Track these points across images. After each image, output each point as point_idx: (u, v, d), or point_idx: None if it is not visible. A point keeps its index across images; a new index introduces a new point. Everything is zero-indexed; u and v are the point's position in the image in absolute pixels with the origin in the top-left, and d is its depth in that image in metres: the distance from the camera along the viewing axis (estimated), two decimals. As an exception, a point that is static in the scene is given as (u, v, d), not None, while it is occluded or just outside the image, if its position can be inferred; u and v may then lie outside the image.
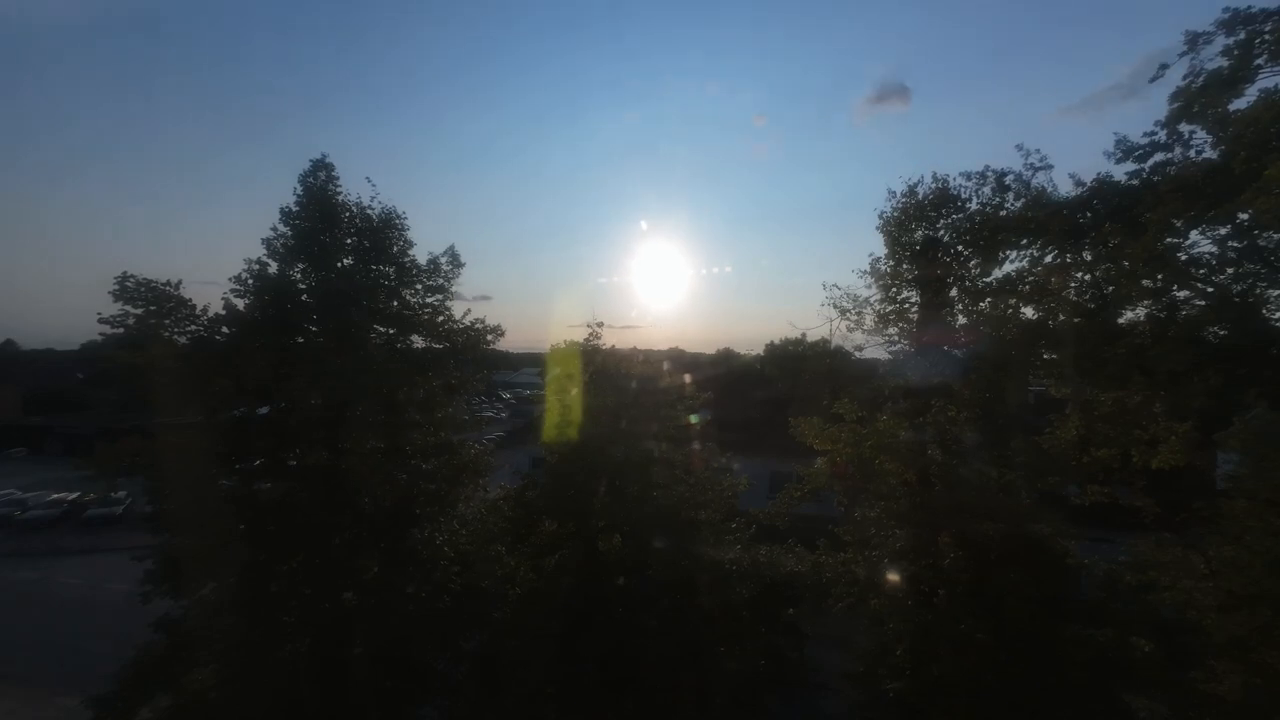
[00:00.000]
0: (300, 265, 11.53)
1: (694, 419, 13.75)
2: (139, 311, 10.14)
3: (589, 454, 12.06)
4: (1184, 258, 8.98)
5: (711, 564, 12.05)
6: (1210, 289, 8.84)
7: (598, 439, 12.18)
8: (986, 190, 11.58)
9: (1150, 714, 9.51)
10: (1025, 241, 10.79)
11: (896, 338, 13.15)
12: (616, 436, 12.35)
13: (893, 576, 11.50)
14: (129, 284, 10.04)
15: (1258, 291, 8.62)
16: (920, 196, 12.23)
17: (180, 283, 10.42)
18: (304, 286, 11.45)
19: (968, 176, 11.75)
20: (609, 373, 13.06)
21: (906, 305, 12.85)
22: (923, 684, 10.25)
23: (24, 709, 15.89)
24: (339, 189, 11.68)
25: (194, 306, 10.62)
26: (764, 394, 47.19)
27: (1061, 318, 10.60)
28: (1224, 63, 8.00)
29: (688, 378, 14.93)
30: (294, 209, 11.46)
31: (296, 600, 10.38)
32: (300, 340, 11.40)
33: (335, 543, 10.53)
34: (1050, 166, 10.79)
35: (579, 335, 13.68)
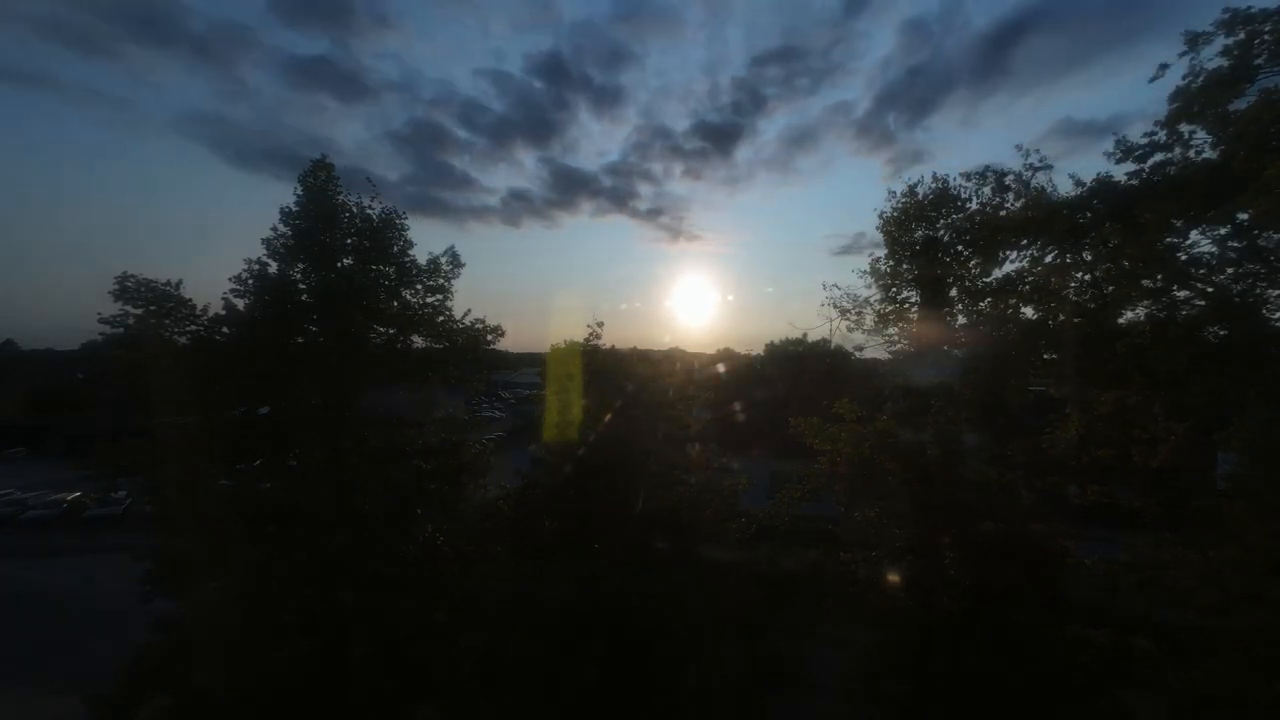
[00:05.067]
0: (300, 265, 11.54)
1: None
2: (139, 311, 10.16)
3: (589, 453, 12.05)
4: (1184, 258, 8.99)
5: (712, 564, 12.04)
6: (1210, 289, 8.84)
7: (598, 438, 12.17)
8: (986, 190, 11.60)
9: (1150, 714, 9.51)
10: (1025, 241, 10.81)
11: (896, 338, 13.17)
12: (617, 436, 12.34)
13: (893, 576, 11.50)
14: (129, 284, 10.06)
15: (1257, 291, 8.62)
16: (920, 196, 12.25)
17: (180, 282, 10.45)
18: (304, 286, 11.45)
19: (967, 177, 11.77)
20: (609, 372, 13.05)
21: (906, 305, 12.86)
22: (922, 684, 10.25)
23: (23, 709, 15.88)
24: (339, 189, 11.68)
25: (194, 306, 10.65)
26: (764, 394, 47.28)
27: (1061, 318, 10.60)
28: (1224, 63, 8.01)
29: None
30: (294, 209, 11.47)
31: (296, 600, 10.37)
32: (300, 340, 11.41)
33: (335, 543, 10.54)
34: (1050, 166, 10.81)
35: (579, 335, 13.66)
